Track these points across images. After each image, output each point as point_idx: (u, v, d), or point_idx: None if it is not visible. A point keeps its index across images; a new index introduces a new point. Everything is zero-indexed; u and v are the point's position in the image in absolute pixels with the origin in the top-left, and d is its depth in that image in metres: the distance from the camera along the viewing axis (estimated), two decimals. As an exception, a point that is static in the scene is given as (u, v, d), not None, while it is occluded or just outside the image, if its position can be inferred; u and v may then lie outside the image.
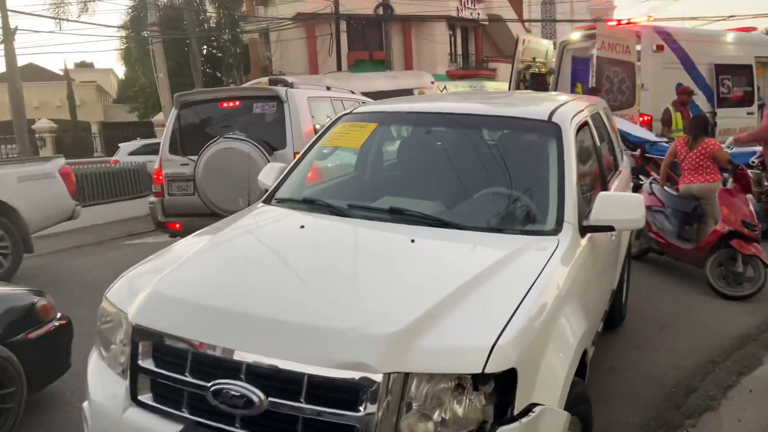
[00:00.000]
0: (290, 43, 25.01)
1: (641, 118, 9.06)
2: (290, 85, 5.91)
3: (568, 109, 3.26)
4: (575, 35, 10.19)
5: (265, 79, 8.01)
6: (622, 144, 8.08)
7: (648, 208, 6.09)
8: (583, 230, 2.73)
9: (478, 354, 1.78)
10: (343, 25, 23.62)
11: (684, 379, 3.84)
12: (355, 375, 1.77)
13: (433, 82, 9.64)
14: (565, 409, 2.12)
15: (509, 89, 10.83)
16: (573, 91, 10.08)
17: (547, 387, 1.96)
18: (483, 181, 2.99)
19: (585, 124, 3.46)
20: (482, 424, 1.81)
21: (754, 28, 11.18)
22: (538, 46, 10.96)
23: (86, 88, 34.96)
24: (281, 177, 3.26)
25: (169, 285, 2.18)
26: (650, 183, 6.32)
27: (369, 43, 25.56)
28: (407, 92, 11.80)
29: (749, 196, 7.23)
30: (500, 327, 1.88)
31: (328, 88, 6.85)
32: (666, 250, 5.93)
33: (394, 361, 1.77)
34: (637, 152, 7.52)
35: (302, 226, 2.64)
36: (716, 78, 9.74)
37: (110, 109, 35.10)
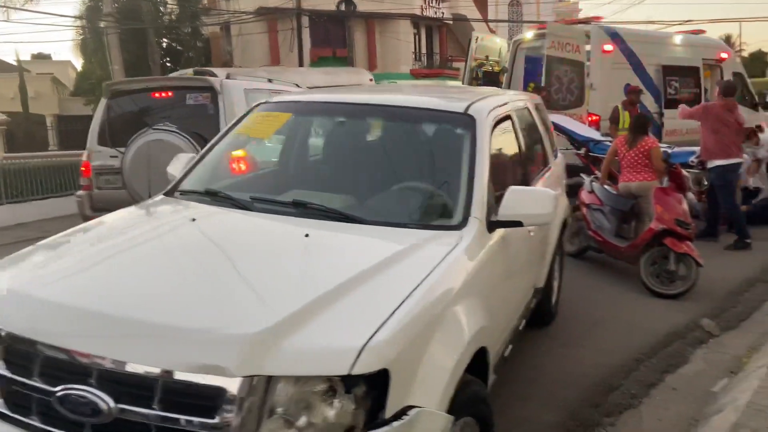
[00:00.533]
0: (252, 37, 24.63)
1: (590, 118, 9.12)
2: (215, 75, 5.72)
3: (488, 103, 3.18)
4: (528, 34, 10.21)
5: (191, 71, 7.79)
6: (565, 143, 8.13)
7: (587, 206, 6.14)
8: (492, 225, 2.65)
9: (345, 355, 1.68)
10: (306, 21, 23.38)
11: (606, 377, 3.81)
12: (211, 379, 1.64)
13: (371, 80, 9.46)
14: (457, 410, 2.04)
15: (462, 87, 10.81)
16: (526, 90, 10.10)
17: (427, 388, 1.86)
18: (395, 174, 2.90)
19: (507, 118, 3.40)
20: (351, 429, 1.70)
21: (702, 31, 11.39)
22: (491, 44, 10.96)
23: (42, 80, 33.83)
24: (188, 168, 3.10)
25: (24, 281, 2.02)
26: (591, 181, 6.33)
27: (332, 39, 25.36)
28: None
29: (690, 196, 7.38)
30: (376, 325, 1.78)
31: (270, 80, 6.67)
32: (603, 248, 5.95)
33: (255, 364, 1.65)
34: (582, 151, 7.56)
35: (193, 219, 2.50)
36: (664, 79, 9.88)
37: (66, 102, 34.03)
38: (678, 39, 10.54)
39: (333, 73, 9.97)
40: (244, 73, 7.34)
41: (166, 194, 2.95)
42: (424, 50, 30.35)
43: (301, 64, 21.71)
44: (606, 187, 6.16)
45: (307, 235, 2.31)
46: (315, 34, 25.37)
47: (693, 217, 7.29)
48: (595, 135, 7.91)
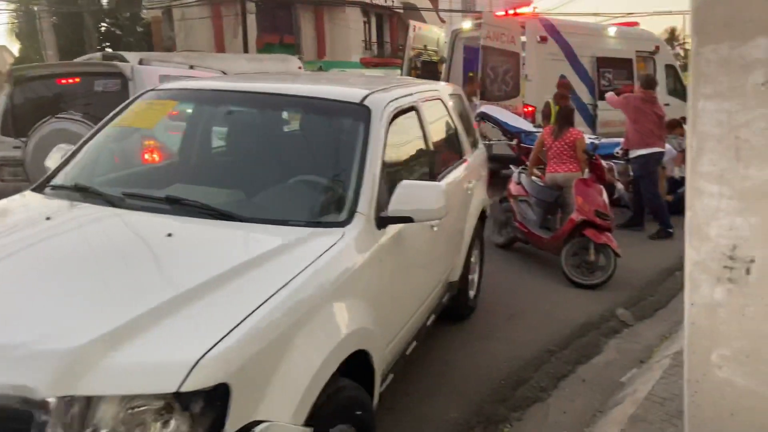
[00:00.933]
0: (195, 22, 23.89)
1: (525, 109, 9.17)
2: (126, 61, 5.44)
3: (388, 94, 3.07)
4: (467, 24, 10.19)
5: (99, 55, 7.40)
6: (492, 135, 8.13)
7: (514, 197, 6.14)
8: (382, 222, 2.55)
9: (175, 370, 1.53)
10: (252, 7, 22.82)
11: (517, 371, 3.79)
12: (20, 400, 1.47)
13: (300, 68, 9.22)
14: (327, 418, 1.94)
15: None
16: (465, 79, 10.07)
17: (281, 399, 1.74)
18: (284, 167, 2.76)
19: (410, 109, 3.30)
20: None
21: (636, 23, 11.61)
22: (430, 34, 10.89)
23: (-27, 64, 32.06)
24: (62, 161, 2.88)
25: None
26: (519, 173, 6.34)
27: (280, 26, 24.87)
28: None
29: (619, 186, 7.51)
30: (220, 335, 1.64)
31: (191, 67, 6.38)
32: (529, 239, 5.97)
33: (70, 383, 1.49)
34: (514, 142, 7.58)
35: (48, 218, 2.29)
36: (598, 71, 10.03)
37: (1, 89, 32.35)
38: (612, 31, 10.72)
39: (259, 60, 9.64)
40: (161, 59, 7.01)
41: (34, 189, 2.72)
42: (374, 39, 30.14)
43: (246, 51, 21.14)
44: (533, 178, 6.17)
45: (170, 235, 2.15)
46: (262, 20, 24.81)
47: (622, 207, 7.47)
48: (526, 126, 7.94)
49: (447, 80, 10.14)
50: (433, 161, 3.46)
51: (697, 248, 1.63)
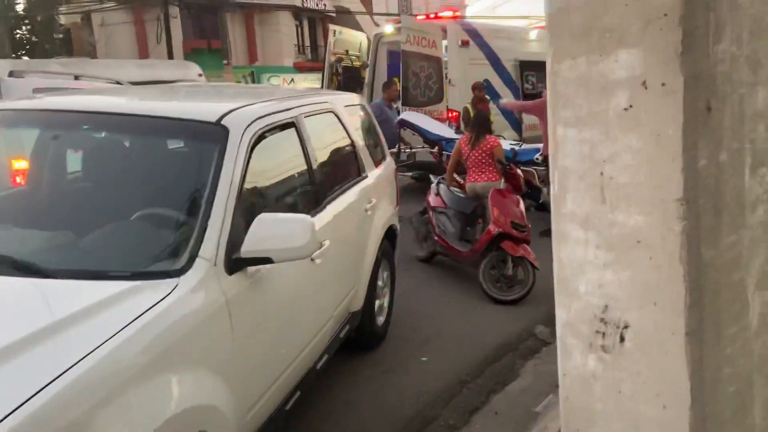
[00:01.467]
0: (116, 28, 22.73)
1: (450, 114, 8.96)
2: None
3: (256, 109, 2.68)
4: (389, 28, 9.90)
5: None
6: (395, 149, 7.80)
7: (433, 209, 5.86)
8: (236, 265, 2.16)
9: None
10: (176, 11, 21.92)
11: (423, 408, 3.46)
12: None
13: (200, 74, 8.67)
14: None
15: (322, 85, 10.32)
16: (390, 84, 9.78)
17: None
18: (118, 204, 2.33)
19: (287, 126, 2.91)
20: None
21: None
22: (351, 38, 10.56)
23: None
24: None
25: None
26: (437, 183, 6.06)
27: (207, 31, 24.00)
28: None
29: (544, 191, 7.35)
30: None
31: (77, 77, 5.77)
32: (448, 253, 5.69)
33: None
34: (435, 150, 7.32)
35: None
36: (521, 74, 9.94)
37: None
38: (534, 34, 10.66)
39: (152, 67, 8.97)
40: (37, 68, 6.32)
41: None
42: (307, 43, 29.61)
43: (171, 57, 20.26)
44: (451, 188, 5.91)
45: None
46: (189, 24, 23.90)
47: (549, 212, 7.31)
48: (447, 133, 7.69)
49: (371, 86, 9.84)
50: (316, 185, 3.08)
51: (567, 307, 1.33)
